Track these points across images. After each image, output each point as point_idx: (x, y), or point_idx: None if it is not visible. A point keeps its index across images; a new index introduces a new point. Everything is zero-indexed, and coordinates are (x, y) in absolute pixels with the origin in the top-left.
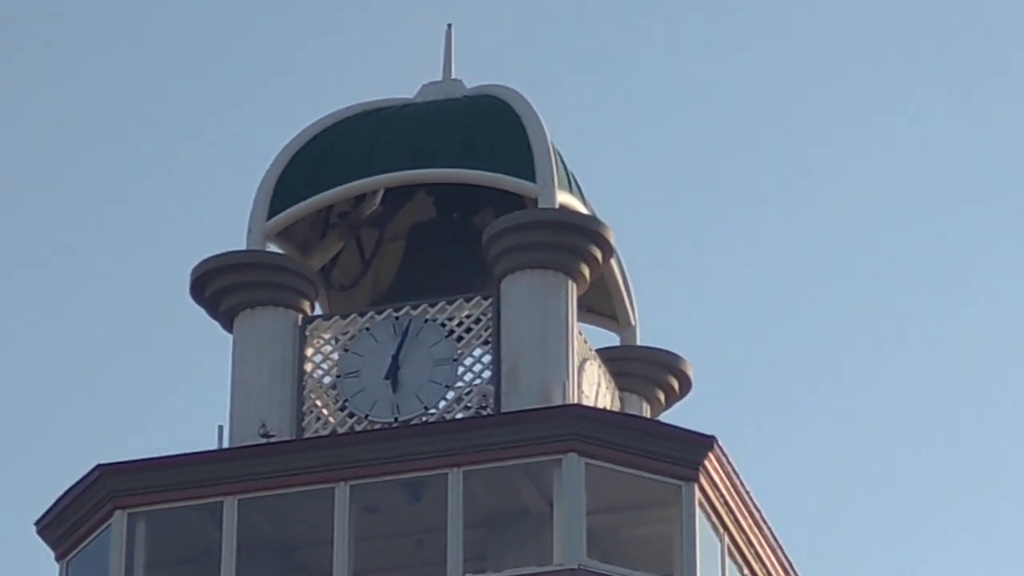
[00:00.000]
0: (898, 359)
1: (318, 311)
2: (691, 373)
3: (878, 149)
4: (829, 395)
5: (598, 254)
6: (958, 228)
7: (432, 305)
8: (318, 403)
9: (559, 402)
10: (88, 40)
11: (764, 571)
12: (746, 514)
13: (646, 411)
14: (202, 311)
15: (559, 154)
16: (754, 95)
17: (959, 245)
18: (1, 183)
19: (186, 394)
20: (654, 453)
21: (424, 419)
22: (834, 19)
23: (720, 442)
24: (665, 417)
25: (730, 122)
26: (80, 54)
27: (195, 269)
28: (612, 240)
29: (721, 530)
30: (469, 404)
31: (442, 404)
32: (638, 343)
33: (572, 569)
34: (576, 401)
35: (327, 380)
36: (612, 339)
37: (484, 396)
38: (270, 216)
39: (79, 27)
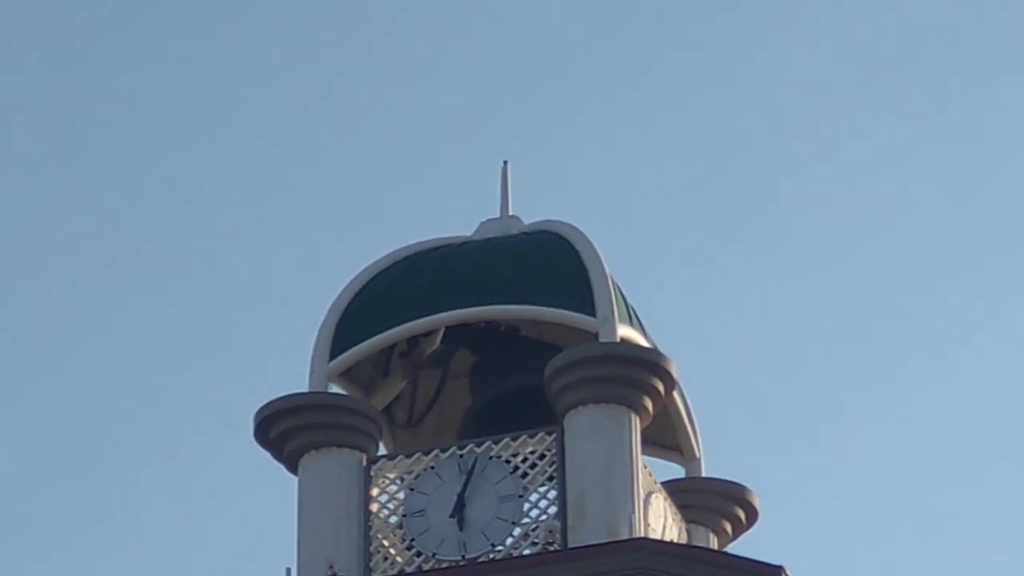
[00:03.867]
0: (964, 485)
1: (382, 450)
2: (757, 503)
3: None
4: (896, 523)
5: (660, 387)
6: None
7: (496, 442)
8: (385, 543)
9: (626, 536)
10: (151, 178)
11: None
12: None
13: (713, 542)
14: (267, 454)
15: (619, 287)
16: (812, 234)
17: None
18: (58, 324)
19: (253, 537)
20: None
21: (491, 556)
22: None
23: (788, 572)
24: (732, 548)
25: (787, 256)
26: (144, 192)
27: (258, 412)
28: (674, 372)
29: None
30: (536, 540)
31: (509, 541)
32: (703, 475)
33: None
34: (643, 534)
35: (393, 520)
36: (677, 471)
37: (551, 532)
38: (332, 357)
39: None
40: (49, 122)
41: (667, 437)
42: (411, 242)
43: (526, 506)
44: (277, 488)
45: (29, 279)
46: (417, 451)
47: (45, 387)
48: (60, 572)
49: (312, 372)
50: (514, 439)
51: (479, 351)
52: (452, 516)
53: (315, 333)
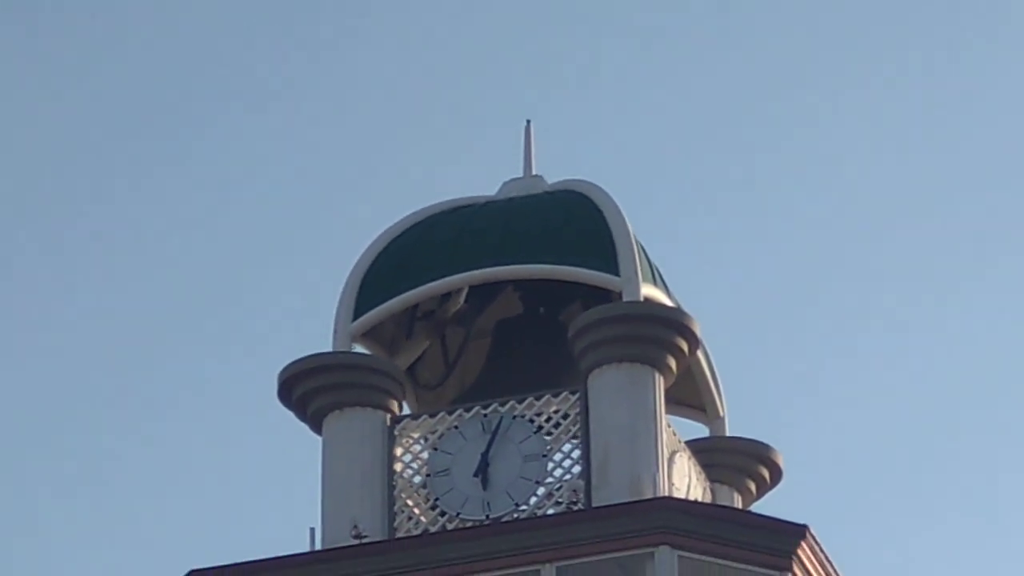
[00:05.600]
0: (987, 443)
1: (406, 410)
2: (781, 462)
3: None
4: (922, 482)
5: (684, 346)
6: None
7: (520, 401)
8: (409, 502)
9: (650, 495)
10: (176, 146)
11: None
12: None
13: (737, 502)
14: (291, 414)
15: (642, 246)
16: (838, 193)
17: None
18: (85, 287)
19: (277, 497)
20: (746, 544)
21: (515, 516)
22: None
23: (812, 531)
24: (757, 507)
25: (811, 217)
26: (168, 161)
27: (282, 372)
28: (698, 331)
29: None
30: (560, 500)
31: (533, 500)
32: (727, 434)
33: None
34: (667, 494)
35: (417, 479)
36: (701, 430)
37: (574, 491)
38: (355, 317)
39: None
40: (59, 88)
41: (691, 396)
42: (434, 202)
43: (550, 465)
44: (301, 448)
45: (53, 237)
46: (441, 411)
47: (66, 348)
48: (90, 531)
49: (336, 332)
50: (538, 398)
51: (502, 309)
52: (476, 475)
53: (339, 293)
